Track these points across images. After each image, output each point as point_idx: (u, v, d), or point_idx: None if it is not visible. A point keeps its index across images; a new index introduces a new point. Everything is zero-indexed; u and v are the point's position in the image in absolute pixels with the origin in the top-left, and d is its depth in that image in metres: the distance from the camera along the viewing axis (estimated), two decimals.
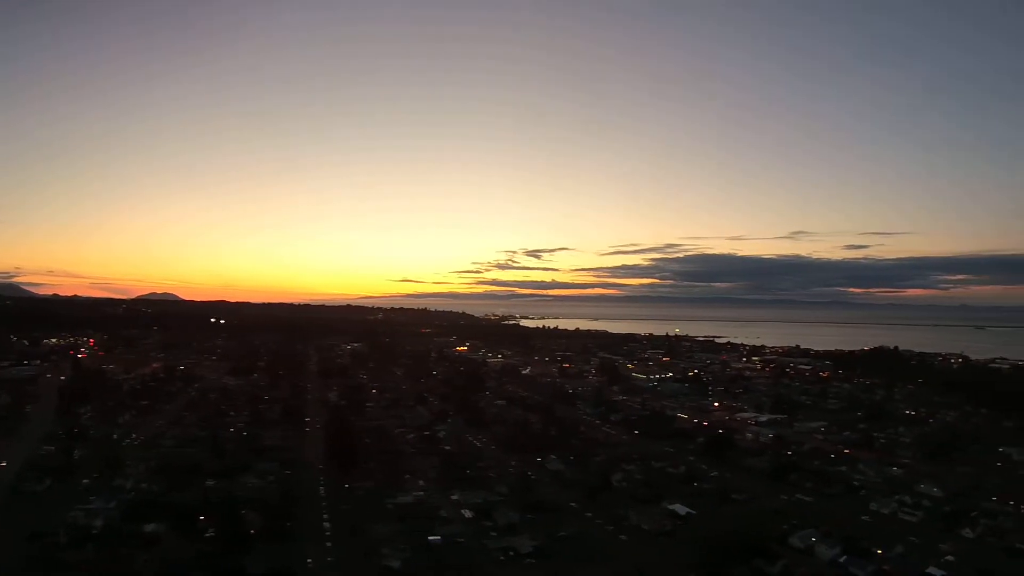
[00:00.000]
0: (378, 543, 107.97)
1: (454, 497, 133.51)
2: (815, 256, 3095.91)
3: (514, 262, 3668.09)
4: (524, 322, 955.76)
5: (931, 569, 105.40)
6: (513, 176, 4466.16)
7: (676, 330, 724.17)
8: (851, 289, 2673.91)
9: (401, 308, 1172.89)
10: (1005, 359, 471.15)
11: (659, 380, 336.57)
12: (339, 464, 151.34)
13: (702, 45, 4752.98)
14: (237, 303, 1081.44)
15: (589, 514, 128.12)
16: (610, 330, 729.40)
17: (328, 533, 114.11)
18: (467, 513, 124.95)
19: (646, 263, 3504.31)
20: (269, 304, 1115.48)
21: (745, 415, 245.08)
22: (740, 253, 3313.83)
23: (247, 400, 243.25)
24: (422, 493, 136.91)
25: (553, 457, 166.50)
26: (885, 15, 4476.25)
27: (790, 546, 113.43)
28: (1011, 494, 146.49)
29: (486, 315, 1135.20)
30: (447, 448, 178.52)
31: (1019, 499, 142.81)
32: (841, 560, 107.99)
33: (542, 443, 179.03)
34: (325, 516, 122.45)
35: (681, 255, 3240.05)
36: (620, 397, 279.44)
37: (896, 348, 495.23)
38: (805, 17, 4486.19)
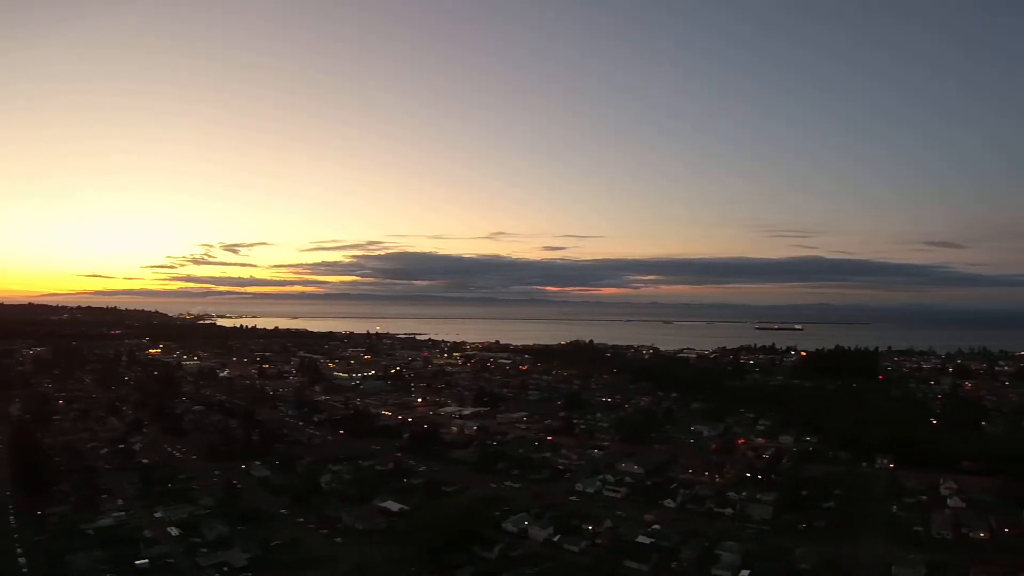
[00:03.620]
0: (81, 575, 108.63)
1: (158, 514, 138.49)
2: (515, 256, 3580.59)
3: (211, 257, 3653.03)
4: (221, 321, 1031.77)
5: (640, 538, 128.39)
6: (210, 163, 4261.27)
7: (377, 328, 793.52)
8: (548, 288, 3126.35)
9: (89, 307, 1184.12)
10: (692, 349, 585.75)
11: (361, 378, 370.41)
12: (26, 488, 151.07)
13: (398, 41, 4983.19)
14: None
15: (301, 519, 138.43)
16: (311, 329, 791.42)
17: (25, 570, 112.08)
18: (173, 531, 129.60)
19: (348, 260, 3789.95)
20: None
21: (449, 409, 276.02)
22: (441, 252, 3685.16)
23: None
24: (123, 513, 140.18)
25: (258, 463, 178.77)
26: (585, 20, 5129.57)
27: (505, 531, 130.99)
28: (704, 466, 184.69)
29: (181, 314, 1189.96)
30: (145, 461, 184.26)
31: (711, 470, 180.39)
32: (555, 539, 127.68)
33: (245, 449, 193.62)
34: (19, 549, 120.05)
35: (383, 253, 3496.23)
36: (323, 397, 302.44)
37: (591, 341, 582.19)
38: (502, 16, 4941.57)
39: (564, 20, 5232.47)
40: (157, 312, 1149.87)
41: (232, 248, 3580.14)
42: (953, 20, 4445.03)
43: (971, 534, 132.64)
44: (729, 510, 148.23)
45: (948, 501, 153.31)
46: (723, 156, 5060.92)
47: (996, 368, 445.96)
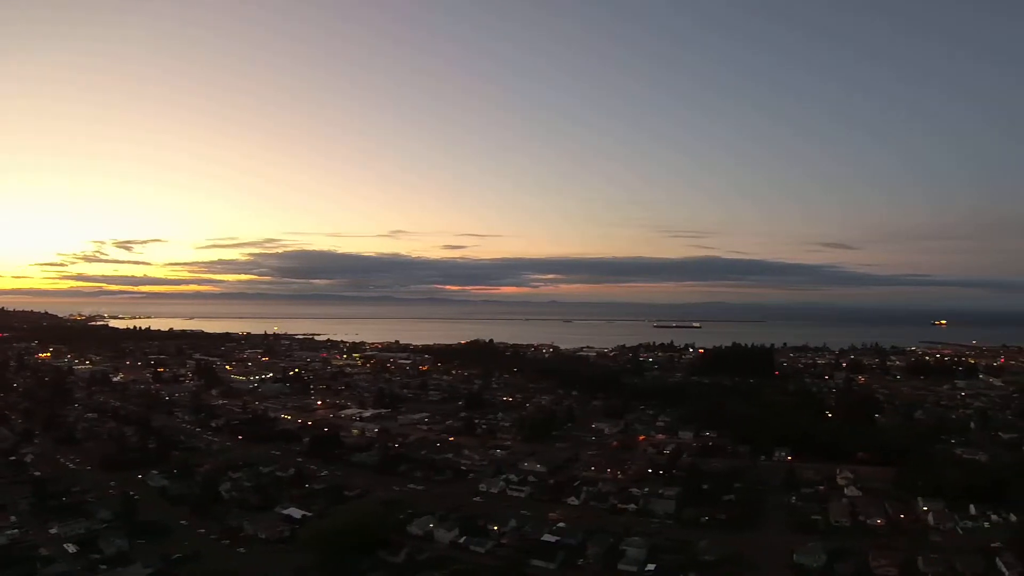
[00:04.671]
0: None
1: (53, 531, 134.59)
2: (414, 255, 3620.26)
3: (103, 254, 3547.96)
4: (114, 322, 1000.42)
5: (546, 536, 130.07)
6: (102, 155, 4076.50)
7: (275, 328, 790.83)
8: (448, 287, 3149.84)
9: None
10: (591, 348, 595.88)
11: (259, 381, 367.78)
12: None
13: (293, 37, 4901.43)
14: None
15: (202, 530, 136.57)
16: (207, 330, 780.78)
17: None
18: (71, 547, 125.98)
19: (244, 258, 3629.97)
20: None
21: (349, 411, 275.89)
22: (340, 250, 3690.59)
23: None
24: (16, 531, 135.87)
25: (155, 472, 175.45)
26: (482, 18, 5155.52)
27: (410, 534, 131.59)
28: (606, 463, 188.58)
29: (72, 315, 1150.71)
30: (37, 474, 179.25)
31: (613, 467, 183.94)
32: (461, 541, 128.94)
33: (142, 458, 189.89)
34: None
35: (281, 251, 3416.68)
36: (220, 401, 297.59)
37: (491, 341, 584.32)
38: (399, 13, 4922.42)
39: (462, 18, 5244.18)
40: (47, 313, 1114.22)
41: (125, 245, 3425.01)
42: (844, 25, 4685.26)
43: (868, 521, 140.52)
44: (632, 506, 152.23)
45: (845, 490, 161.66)
46: (623, 157, 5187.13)
47: (888, 363, 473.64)
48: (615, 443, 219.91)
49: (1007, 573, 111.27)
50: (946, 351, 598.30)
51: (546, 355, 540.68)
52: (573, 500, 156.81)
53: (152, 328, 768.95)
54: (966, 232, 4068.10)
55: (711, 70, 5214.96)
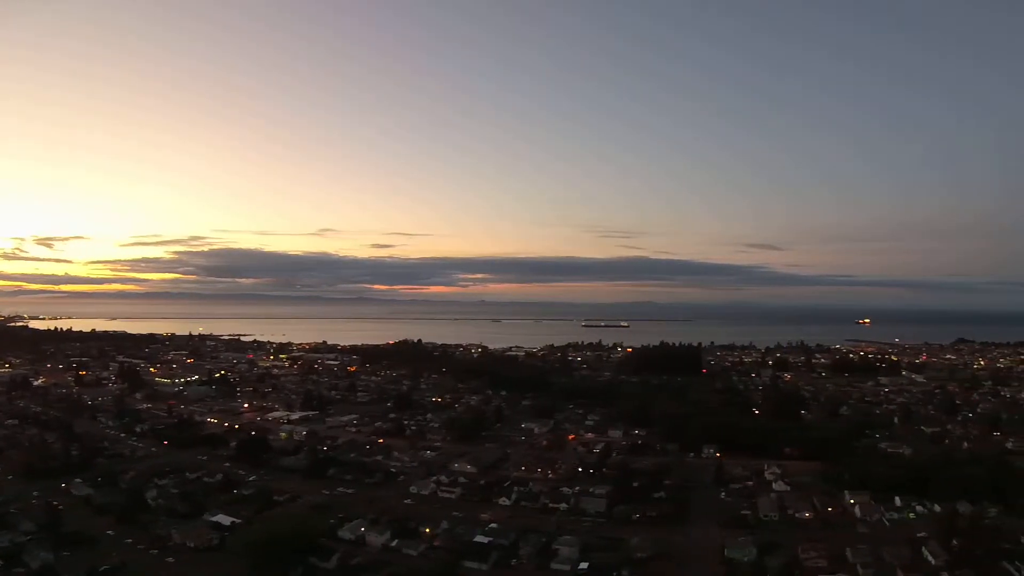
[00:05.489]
0: None
1: None
2: (342, 254, 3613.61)
3: (22, 251, 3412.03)
4: (34, 323, 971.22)
5: (478, 537, 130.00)
6: (22, 149, 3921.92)
7: (200, 329, 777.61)
8: (376, 286, 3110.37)
9: None
10: (520, 347, 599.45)
11: (185, 384, 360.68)
12: None
13: (222, 32, 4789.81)
14: None
15: (129, 540, 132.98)
16: (130, 331, 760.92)
17: None
18: None
19: (169, 256, 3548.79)
20: None
21: (276, 414, 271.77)
22: (267, 249, 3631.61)
23: None
24: None
25: (79, 481, 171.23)
26: (417, 15, 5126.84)
27: (341, 539, 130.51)
28: (536, 463, 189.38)
29: None
30: None
31: (544, 467, 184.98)
32: (393, 544, 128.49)
33: (65, 466, 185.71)
34: None
35: (206, 249, 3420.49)
36: (145, 405, 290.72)
37: (420, 341, 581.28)
38: (329, 8, 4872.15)
39: (395, 14, 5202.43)
40: None
41: (46, 242, 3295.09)
42: (758, 40, 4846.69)
43: (796, 515, 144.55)
44: (564, 505, 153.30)
45: (773, 485, 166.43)
46: (556, 158, 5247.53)
47: (813, 360, 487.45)
48: (545, 443, 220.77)
49: (933, 562, 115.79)
50: (870, 349, 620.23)
51: (475, 355, 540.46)
52: (504, 500, 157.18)
53: (74, 329, 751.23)
54: (884, 234, 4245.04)
55: (646, 72, 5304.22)
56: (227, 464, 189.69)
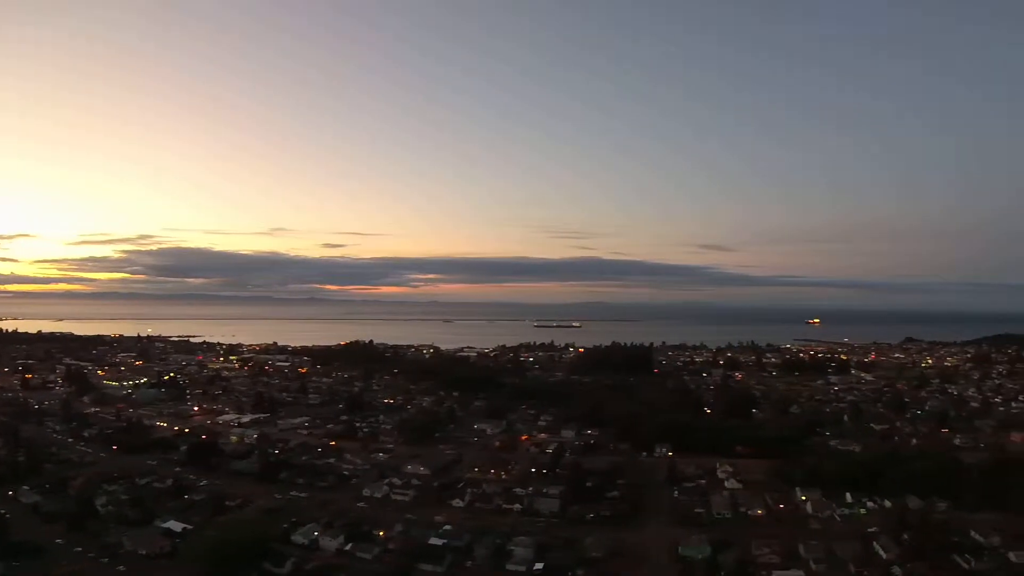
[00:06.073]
0: None
1: None
2: (293, 254, 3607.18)
3: None
4: None
5: (432, 540, 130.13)
6: None
7: (149, 330, 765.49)
8: (327, 286, 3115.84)
9: None
10: (472, 348, 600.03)
11: (133, 386, 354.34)
12: None
13: (175, 29, 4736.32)
14: None
15: (79, 548, 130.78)
16: (77, 332, 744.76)
17: None
18: None
19: (117, 255, 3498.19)
20: None
21: (227, 417, 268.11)
22: (217, 248, 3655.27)
23: None
24: None
25: (26, 488, 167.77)
26: (368, 13, 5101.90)
27: (294, 543, 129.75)
28: (489, 464, 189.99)
29: None
30: None
31: (497, 468, 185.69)
32: (347, 548, 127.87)
33: (11, 473, 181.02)
34: None
35: (155, 248, 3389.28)
36: (93, 409, 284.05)
37: (371, 341, 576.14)
38: (283, 8, 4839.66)
39: (346, 10, 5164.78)
40: None
41: None
42: (706, 44, 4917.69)
43: (749, 512, 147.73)
44: (518, 506, 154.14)
45: (725, 483, 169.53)
46: (509, 158, 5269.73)
47: (763, 360, 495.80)
48: (498, 444, 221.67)
49: (884, 556, 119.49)
50: (819, 348, 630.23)
51: (427, 355, 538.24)
52: (458, 502, 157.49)
53: (19, 330, 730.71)
54: (833, 235, 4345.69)
55: (596, 75, 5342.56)
56: (178, 469, 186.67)
